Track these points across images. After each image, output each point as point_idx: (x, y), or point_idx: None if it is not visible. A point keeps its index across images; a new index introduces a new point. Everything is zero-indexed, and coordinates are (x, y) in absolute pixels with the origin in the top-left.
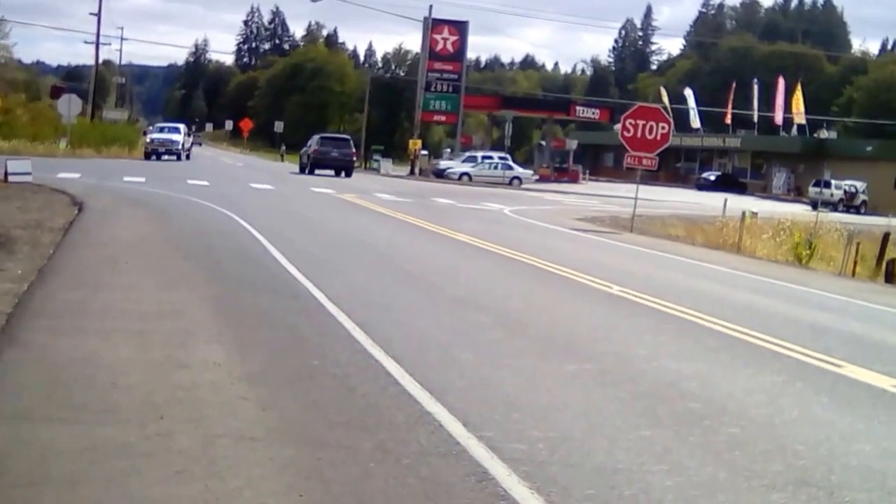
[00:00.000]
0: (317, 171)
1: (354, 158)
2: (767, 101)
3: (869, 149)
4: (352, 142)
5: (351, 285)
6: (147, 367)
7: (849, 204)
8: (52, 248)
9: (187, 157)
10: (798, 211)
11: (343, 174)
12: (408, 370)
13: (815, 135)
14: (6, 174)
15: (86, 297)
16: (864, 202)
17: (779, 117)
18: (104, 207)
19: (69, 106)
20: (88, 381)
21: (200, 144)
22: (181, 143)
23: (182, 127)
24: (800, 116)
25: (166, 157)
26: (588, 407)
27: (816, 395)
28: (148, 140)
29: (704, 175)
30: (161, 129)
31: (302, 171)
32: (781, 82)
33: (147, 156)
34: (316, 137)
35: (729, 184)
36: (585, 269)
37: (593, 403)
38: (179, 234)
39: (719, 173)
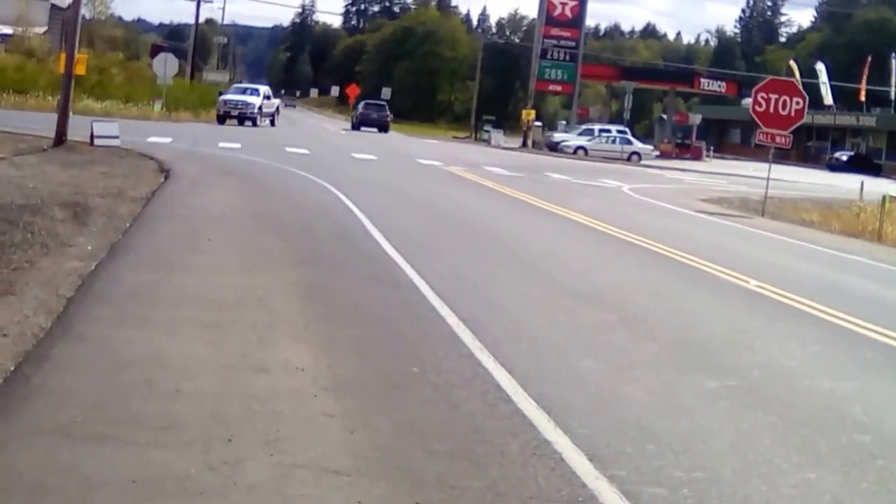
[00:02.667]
0: (362, 129)
1: (389, 118)
2: None
3: None
4: (387, 106)
5: (456, 272)
6: (219, 370)
7: None
8: (130, 220)
9: (271, 122)
10: None
11: (378, 130)
12: (521, 382)
13: None
14: (92, 137)
15: (158, 281)
16: None
17: None
18: (193, 175)
19: (165, 65)
20: (149, 386)
21: (295, 107)
22: (257, 106)
23: (263, 89)
24: None
25: (246, 122)
26: (736, 437)
27: None
28: (220, 101)
29: (836, 154)
30: (239, 91)
31: (353, 128)
32: None
33: (220, 119)
34: (362, 103)
35: (862, 165)
36: (716, 259)
37: (742, 433)
38: (271, 208)
39: (852, 153)
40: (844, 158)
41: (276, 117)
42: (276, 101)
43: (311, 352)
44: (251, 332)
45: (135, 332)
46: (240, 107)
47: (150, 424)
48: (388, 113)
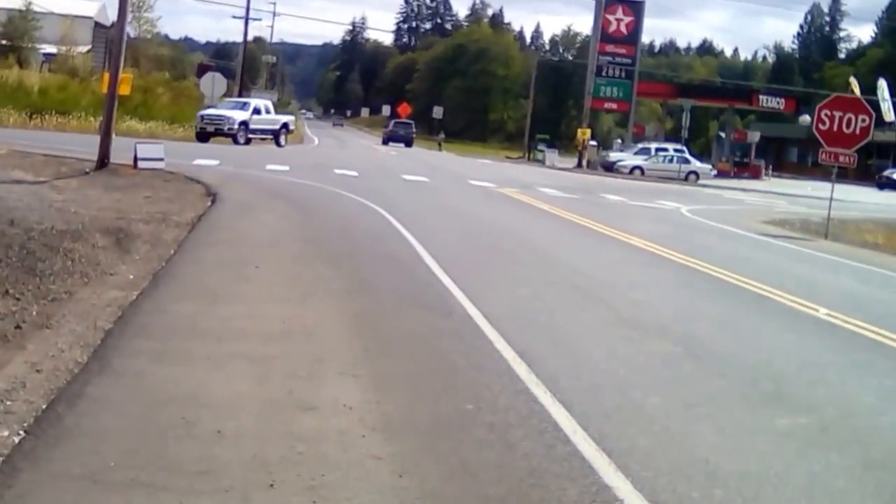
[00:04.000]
0: (390, 143)
1: (413, 134)
2: None
3: None
4: (413, 124)
5: (510, 301)
6: (263, 409)
7: None
8: (175, 247)
9: (276, 141)
10: None
11: (405, 145)
12: (580, 421)
13: None
14: (136, 159)
15: (202, 312)
16: None
17: None
18: (240, 199)
19: (213, 85)
20: (188, 426)
21: (343, 126)
22: (238, 121)
23: (259, 102)
24: None
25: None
26: (809, 480)
27: None
28: (198, 117)
29: (887, 173)
30: (229, 106)
31: (383, 143)
32: None
33: (199, 136)
34: (392, 122)
35: None
36: (783, 285)
37: (815, 476)
38: (321, 233)
39: None
40: (895, 177)
41: (282, 135)
42: (284, 118)
43: (360, 388)
44: (299, 366)
45: (175, 368)
46: (216, 121)
47: (187, 469)
48: (413, 130)
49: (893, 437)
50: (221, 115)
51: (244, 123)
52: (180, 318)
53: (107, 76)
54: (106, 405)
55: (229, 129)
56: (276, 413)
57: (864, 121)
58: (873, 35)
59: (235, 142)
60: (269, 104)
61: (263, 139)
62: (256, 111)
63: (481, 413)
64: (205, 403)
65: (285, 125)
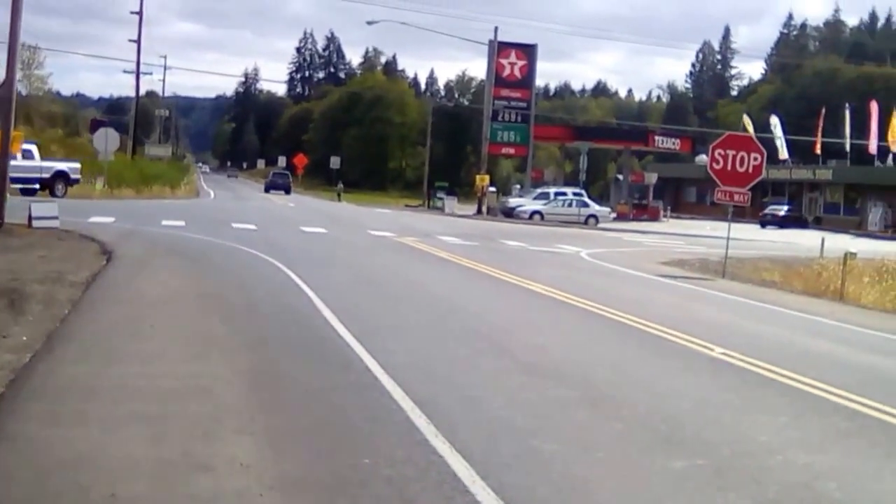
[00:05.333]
0: (269, 191)
1: (290, 182)
2: (859, 128)
3: None
4: (289, 174)
5: (410, 351)
6: (159, 471)
7: None
8: (69, 307)
9: (53, 193)
10: None
11: (284, 192)
12: (479, 471)
13: None
14: (30, 219)
15: (97, 372)
16: None
17: (873, 145)
18: (136, 256)
19: (106, 140)
20: (81, 493)
21: (237, 177)
22: None
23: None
24: None
25: None
26: None
27: None
28: None
29: (769, 210)
30: None
31: (265, 190)
32: (875, 107)
33: None
34: (271, 172)
35: (795, 220)
36: (680, 326)
37: None
38: (217, 289)
39: (789, 208)
40: (781, 213)
41: (59, 186)
42: (60, 165)
43: (258, 446)
44: (195, 425)
45: (69, 431)
46: None
47: None
48: (290, 179)
49: (788, 475)
50: None
51: None
52: (74, 380)
53: None
54: None
55: None
56: (171, 474)
57: (756, 159)
58: (763, 71)
59: None
60: (34, 148)
61: (26, 189)
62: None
63: (379, 467)
64: (99, 467)
65: (60, 173)
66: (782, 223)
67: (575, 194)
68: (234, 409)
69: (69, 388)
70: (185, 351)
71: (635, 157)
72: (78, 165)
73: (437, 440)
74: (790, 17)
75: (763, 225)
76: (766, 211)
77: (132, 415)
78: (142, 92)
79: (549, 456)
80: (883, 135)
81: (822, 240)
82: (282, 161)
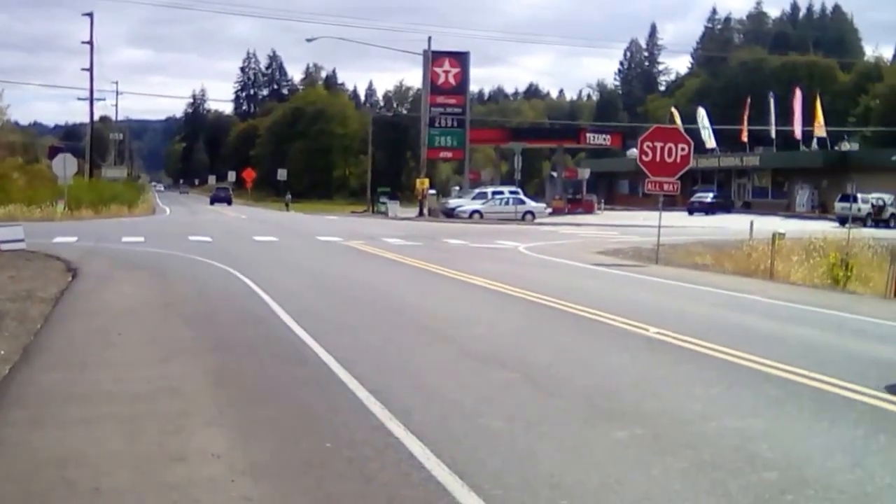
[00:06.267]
0: (214, 204)
1: (231, 195)
2: (784, 116)
3: (895, 158)
4: (229, 188)
5: (361, 344)
6: (137, 463)
7: (877, 218)
8: (41, 321)
9: None
10: (826, 228)
11: (227, 203)
12: (433, 449)
13: (837, 147)
14: None
15: (73, 379)
16: (893, 215)
17: (798, 131)
18: (99, 272)
19: (64, 166)
20: (67, 486)
21: (188, 193)
22: None
23: None
24: (820, 129)
25: None
26: (648, 485)
27: None
28: None
29: (696, 197)
30: None
31: (210, 203)
32: (798, 94)
33: None
34: (215, 188)
35: (721, 206)
36: (615, 310)
37: (653, 480)
38: (178, 298)
39: (716, 195)
40: (708, 200)
41: None
42: None
43: (227, 437)
44: (167, 421)
45: (52, 432)
46: None
47: None
48: (231, 192)
49: (721, 439)
50: None
51: None
52: (53, 387)
53: None
54: None
55: None
56: (149, 466)
57: (683, 149)
58: (690, 65)
59: None
60: None
61: None
62: None
63: (340, 449)
64: (82, 463)
65: None
66: (709, 209)
67: (511, 193)
68: (202, 405)
69: (49, 395)
70: (153, 356)
71: (568, 154)
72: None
73: (393, 423)
74: (714, 11)
75: (691, 212)
76: (693, 199)
77: (108, 415)
78: (96, 117)
79: (497, 432)
80: (808, 120)
81: (752, 222)
82: (231, 176)
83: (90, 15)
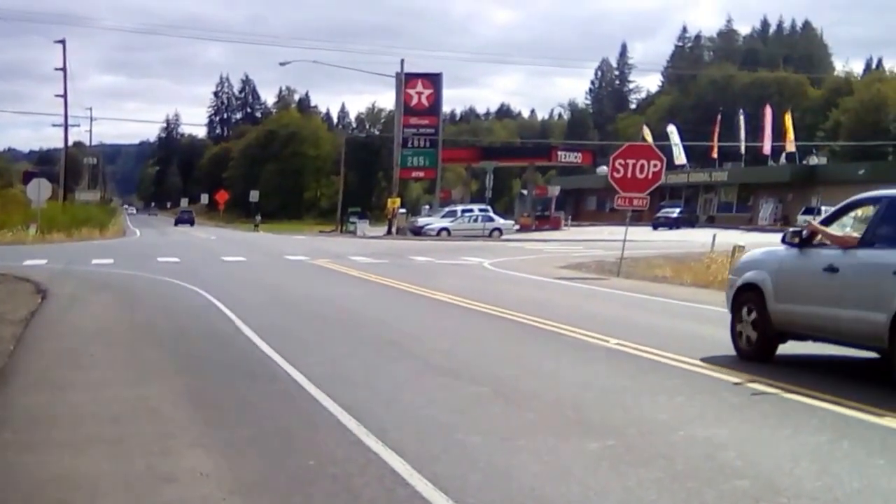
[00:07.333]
0: (178, 225)
1: (194, 216)
2: (754, 132)
3: (861, 172)
4: (192, 211)
5: (328, 361)
6: (130, 484)
7: None
8: (13, 343)
9: None
10: None
11: (189, 224)
12: (413, 465)
13: (805, 162)
14: None
15: (52, 401)
16: None
17: (767, 147)
18: (69, 294)
19: (39, 190)
20: None
21: (157, 215)
22: None
23: None
24: (790, 144)
25: None
26: (625, 496)
27: (869, 457)
28: None
29: (662, 213)
30: None
31: (175, 224)
32: (769, 110)
33: None
34: (180, 210)
35: (684, 222)
36: (577, 322)
37: (631, 491)
38: (148, 319)
39: (681, 210)
40: (673, 216)
41: None
42: None
43: (211, 456)
44: (152, 442)
45: (40, 455)
46: None
47: None
48: (193, 214)
49: (690, 448)
50: None
51: None
52: (34, 409)
53: None
54: None
55: None
56: (141, 487)
57: (655, 165)
58: (660, 83)
59: None
60: None
61: None
62: None
63: (324, 466)
64: (75, 485)
65: None
66: (673, 224)
67: (481, 210)
68: (183, 425)
69: (32, 417)
70: (127, 376)
71: (539, 172)
72: None
73: (370, 439)
74: (684, 30)
75: (655, 227)
76: (659, 214)
77: (94, 437)
78: (70, 142)
79: (474, 447)
80: (777, 136)
81: (714, 236)
82: (204, 198)
83: (62, 42)
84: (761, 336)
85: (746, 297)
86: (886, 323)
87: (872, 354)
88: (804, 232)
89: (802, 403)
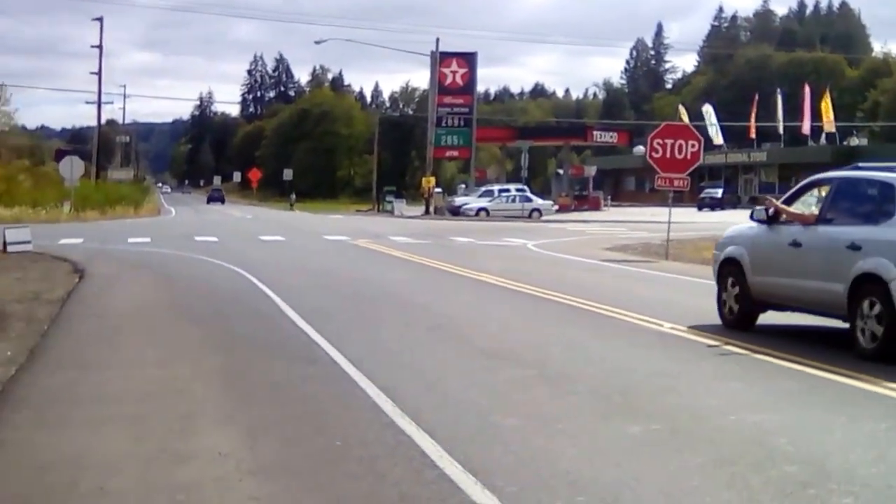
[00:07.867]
0: (209, 203)
1: (224, 195)
2: (793, 112)
3: None
4: (222, 189)
5: (371, 343)
6: (142, 464)
7: None
8: (48, 323)
9: None
10: None
11: (220, 203)
12: (445, 447)
13: (846, 142)
14: (5, 244)
15: (78, 380)
16: None
17: (806, 127)
18: (106, 273)
19: (71, 168)
20: (71, 487)
21: (191, 193)
22: None
23: None
24: (830, 124)
25: None
26: (666, 481)
27: None
28: None
29: (705, 194)
30: None
31: (207, 202)
32: (808, 90)
33: None
34: (211, 189)
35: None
36: (627, 306)
37: (671, 476)
38: (186, 299)
39: (724, 189)
40: (718, 196)
41: None
42: None
43: (235, 436)
44: (174, 422)
45: (57, 434)
46: None
47: None
48: (223, 192)
49: (739, 433)
50: None
51: None
52: (58, 388)
53: None
54: None
55: None
56: (155, 467)
57: (693, 146)
58: (696, 63)
59: None
60: None
61: None
62: None
63: (351, 447)
64: (86, 465)
65: None
66: (718, 205)
67: (518, 190)
68: (210, 405)
69: (54, 396)
70: (160, 356)
71: (574, 152)
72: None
73: (404, 421)
74: (720, 10)
75: (700, 208)
76: (703, 194)
77: (114, 416)
78: (102, 121)
79: (511, 430)
80: (816, 116)
81: None
82: (237, 176)
83: (100, 20)
84: (741, 306)
85: (728, 271)
86: (844, 293)
87: None
88: (769, 210)
89: (866, 391)
